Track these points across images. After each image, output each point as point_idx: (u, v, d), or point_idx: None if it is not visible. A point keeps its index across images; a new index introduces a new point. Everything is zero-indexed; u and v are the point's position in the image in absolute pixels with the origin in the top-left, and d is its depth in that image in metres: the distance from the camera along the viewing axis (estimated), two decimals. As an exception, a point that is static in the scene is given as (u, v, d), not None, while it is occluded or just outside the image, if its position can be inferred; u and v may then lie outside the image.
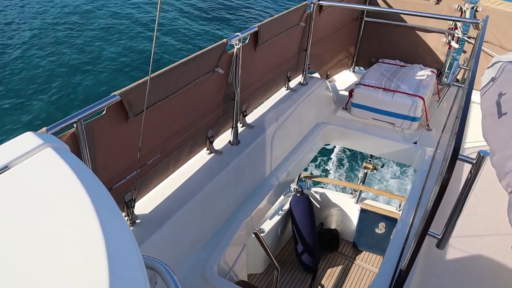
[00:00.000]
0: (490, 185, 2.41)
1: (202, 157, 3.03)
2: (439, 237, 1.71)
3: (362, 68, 5.44)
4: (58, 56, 10.22)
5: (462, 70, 4.46)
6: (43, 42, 10.96)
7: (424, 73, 4.48)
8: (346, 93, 4.63)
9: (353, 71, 5.31)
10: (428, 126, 4.18)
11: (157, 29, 1.71)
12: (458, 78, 4.59)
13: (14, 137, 1.31)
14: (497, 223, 2.76)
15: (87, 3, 14.65)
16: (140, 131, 2.20)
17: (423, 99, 4.02)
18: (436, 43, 4.86)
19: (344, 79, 5.09)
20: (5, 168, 1.18)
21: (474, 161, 1.49)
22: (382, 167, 6.37)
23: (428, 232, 1.61)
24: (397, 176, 9.06)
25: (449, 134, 3.97)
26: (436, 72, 4.63)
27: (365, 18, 4.93)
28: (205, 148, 3.08)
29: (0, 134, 7.11)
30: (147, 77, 2.09)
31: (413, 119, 4.08)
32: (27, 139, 1.29)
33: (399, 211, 5.28)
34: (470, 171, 1.52)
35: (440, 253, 2.63)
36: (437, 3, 4.66)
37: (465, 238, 2.56)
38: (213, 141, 3.09)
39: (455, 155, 1.37)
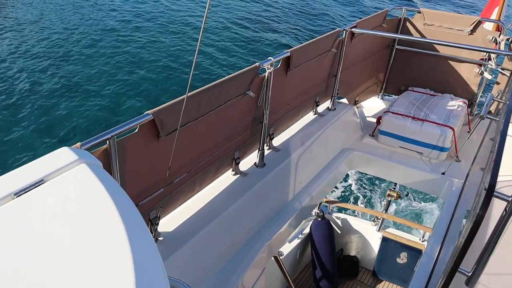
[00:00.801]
0: None
1: (227, 178, 3.04)
2: (469, 274, 1.65)
3: (391, 96, 5.40)
4: (98, 69, 10.50)
5: (495, 102, 4.38)
6: (84, 56, 11.26)
7: (455, 103, 4.41)
8: (374, 120, 4.59)
9: (382, 98, 5.26)
10: (457, 157, 4.09)
11: (198, 51, 1.74)
12: (490, 110, 4.50)
13: (51, 151, 1.34)
14: None
15: (136, 19, 15.07)
16: (169, 150, 2.23)
17: (453, 129, 3.95)
18: (468, 73, 4.79)
19: (372, 105, 5.05)
20: (41, 181, 1.21)
21: (510, 199, 1.44)
22: (406, 195, 6.27)
23: (458, 269, 1.56)
24: (421, 206, 8.86)
25: (478, 166, 3.87)
26: (467, 103, 4.54)
27: (396, 46, 4.91)
28: (231, 169, 3.09)
29: (37, 147, 7.28)
30: (181, 97, 2.13)
31: (442, 149, 4.01)
32: (63, 154, 1.32)
33: (422, 241, 5.16)
34: (505, 208, 1.46)
35: None
36: (471, 33, 4.61)
37: (496, 276, 2.47)
38: (239, 163, 3.10)
39: (490, 192, 1.33)
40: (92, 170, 1.26)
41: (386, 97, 5.34)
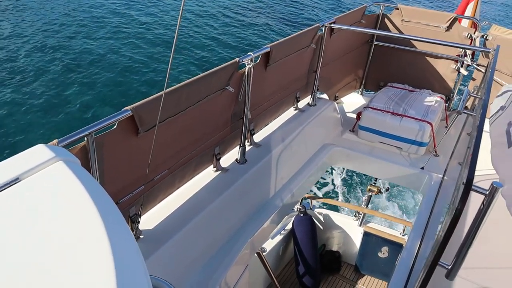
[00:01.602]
0: (499, 215, 2.38)
1: (208, 174, 3.02)
2: (449, 267, 1.68)
3: (370, 91, 5.46)
4: (72, 66, 10.31)
5: (471, 98, 4.47)
6: (58, 52, 11.04)
7: (433, 99, 4.49)
8: (354, 116, 4.64)
9: (361, 94, 5.32)
10: (435, 151, 4.16)
11: (175, 47, 1.72)
12: (467, 106, 4.59)
13: (26, 148, 1.31)
14: (508, 255, 2.72)
15: (103, 13, 14.86)
16: (149, 147, 2.20)
17: (431, 124, 4.02)
18: (445, 69, 4.88)
19: (352, 101, 5.10)
20: (16, 180, 1.18)
21: (487, 192, 1.47)
22: (387, 190, 6.34)
23: (439, 263, 1.59)
24: (401, 201, 9.00)
25: (456, 161, 3.95)
26: (444, 98, 4.63)
27: (375, 42, 4.96)
28: (212, 166, 3.08)
29: (12, 145, 7.11)
30: (159, 93, 2.10)
31: (421, 144, 4.07)
32: (39, 152, 1.28)
33: (403, 235, 5.23)
34: (483, 202, 1.50)
35: (448, 284, 2.59)
36: (447, 30, 4.69)
37: (475, 269, 2.52)
38: (219, 159, 3.09)
39: (469, 186, 1.36)
40: (70, 168, 1.24)
41: (366, 92, 5.39)
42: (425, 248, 2.84)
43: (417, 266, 2.69)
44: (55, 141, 1.68)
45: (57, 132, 7.52)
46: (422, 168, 3.92)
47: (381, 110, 4.21)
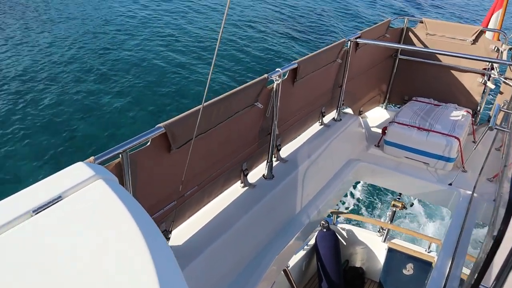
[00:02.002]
0: None
1: (236, 190, 3.03)
2: None
3: (394, 106, 5.41)
4: (107, 81, 10.40)
5: (501, 112, 4.38)
6: (96, 68, 11.15)
7: (459, 113, 4.41)
8: (379, 130, 4.59)
9: (386, 108, 5.28)
10: (463, 167, 4.08)
11: (214, 64, 1.75)
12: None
13: (64, 164, 1.35)
14: None
15: (142, 30, 15.10)
16: (180, 163, 2.23)
17: (458, 139, 3.95)
18: (471, 83, 4.81)
19: (377, 115, 5.06)
20: (59, 198, 1.20)
21: None
22: (411, 206, 6.24)
23: (480, 286, 1.54)
24: (427, 217, 8.81)
25: (485, 177, 3.86)
26: (471, 112, 4.55)
27: (399, 56, 4.93)
28: (239, 181, 3.09)
29: (50, 161, 7.21)
30: (193, 110, 2.14)
31: (448, 159, 4.00)
32: (79, 170, 1.32)
33: (429, 252, 5.12)
34: None
35: None
36: (473, 43, 4.63)
37: None
38: (247, 174, 3.10)
39: (511, 206, 1.32)
40: (109, 186, 1.27)
41: (390, 107, 5.35)
42: (456, 267, 2.77)
43: (449, 286, 2.62)
44: (92, 158, 1.72)
45: (93, 146, 7.61)
46: (450, 184, 3.84)
47: (407, 125, 4.17)
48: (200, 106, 2.19)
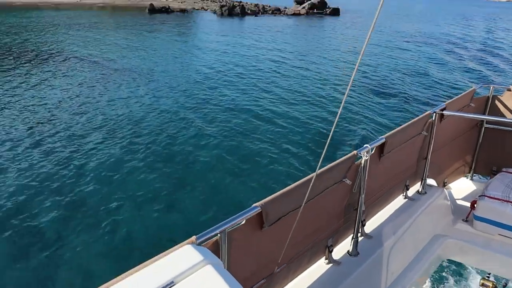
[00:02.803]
0: None
1: (320, 266, 2.98)
2: None
3: (481, 177, 5.11)
4: (207, 158, 10.86)
5: None
6: (186, 142, 11.47)
7: (558, 187, 4.06)
8: (466, 203, 4.36)
9: (471, 179, 5.01)
10: None
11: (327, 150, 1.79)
12: None
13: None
14: None
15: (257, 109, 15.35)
16: (271, 240, 2.28)
17: None
18: None
19: (462, 187, 4.81)
20: (171, 284, 1.25)
21: None
22: (504, 286, 5.66)
23: None
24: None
25: None
26: None
27: (485, 125, 4.74)
28: (324, 257, 3.04)
29: (152, 232, 7.40)
30: (286, 189, 2.22)
31: None
32: (188, 253, 1.38)
33: None
34: None
35: None
36: None
37: None
38: (332, 251, 3.04)
39: None
40: (218, 271, 1.31)
41: (476, 178, 5.06)
42: None
43: None
44: (194, 238, 1.79)
45: (189, 219, 7.76)
46: None
47: (500, 199, 3.89)
48: (295, 184, 2.24)
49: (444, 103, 3.98)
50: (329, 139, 2.09)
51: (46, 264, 6.46)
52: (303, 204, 2.41)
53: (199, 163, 9.98)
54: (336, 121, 1.95)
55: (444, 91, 17.91)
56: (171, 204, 8.22)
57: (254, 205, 2.14)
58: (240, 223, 2.09)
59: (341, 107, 1.95)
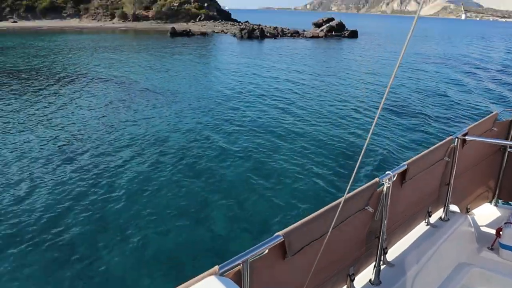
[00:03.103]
0: None
1: None
2: None
3: (505, 202, 5.05)
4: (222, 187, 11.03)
5: None
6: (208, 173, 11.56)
7: None
8: (490, 230, 4.28)
9: (495, 205, 4.90)
10: None
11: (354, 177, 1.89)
12: None
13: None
14: None
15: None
16: (293, 269, 2.28)
17: None
18: None
19: (486, 213, 4.74)
20: None
21: None
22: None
23: None
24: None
25: None
26: None
27: (509, 150, 4.68)
28: (345, 287, 3.00)
29: (175, 261, 7.16)
30: (308, 217, 2.25)
31: None
32: (212, 284, 1.47)
33: None
34: None
35: None
36: None
37: None
38: (353, 280, 3.00)
39: None
40: None
41: (500, 204, 5.01)
42: None
43: None
44: (216, 268, 1.84)
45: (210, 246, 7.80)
46: None
47: None
48: (318, 212, 2.30)
49: (466, 128, 3.96)
50: (358, 164, 2.09)
51: (77, 277, 6.66)
52: (329, 232, 2.41)
53: (224, 182, 10.16)
54: (366, 145, 1.95)
55: (465, 113, 17.84)
56: (197, 222, 8.36)
57: (277, 234, 2.14)
58: (263, 252, 2.07)
59: (371, 131, 1.96)
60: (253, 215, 8.66)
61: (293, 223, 2.26)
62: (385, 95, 1.79)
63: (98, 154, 11.93)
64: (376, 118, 1.85)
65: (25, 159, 11.47)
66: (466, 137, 3.88)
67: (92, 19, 77.81)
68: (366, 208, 2.81)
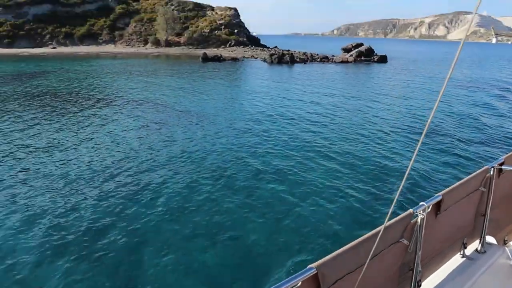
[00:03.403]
0: None
1: None
2: None
3: None
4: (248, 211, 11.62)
5: None
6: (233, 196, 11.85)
7: None
8: None
9: None
10: None
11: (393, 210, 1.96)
12: None
13: None
14: None
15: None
16: None
17: None
18: None
19: None
20: None
21: None
22: None
23: None
24: None
25: None
26: None
27: None
28: None
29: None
30: (341, 250, 2.27)
31: None
32: None
33: None
34: None
35: None
36: None
37: None
38: None
39: None
40: None
41: None
42: None
43: None
44: None
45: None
46: None
47: None
48: (352, 244, 2.34)
49: (502, 157, 3.91)
50: (399, 191, 2.12)
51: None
52: (365, 265, 2.43)
53: (261, 200, 10.38)
54: (408, 171, 1.97)
55: (499, 137, 17.54)
56: (234, 240, 8.55)
57: (310, 266, 2.12)
58: (296, 285, 2.06)
59: (413, 157, 1.97)
60: (290, 235, 8.76)
61: (327, 255, 2.25)
62: (428, 121, 1.83)
63: (138, 172, 12.38)
64: (419, 144, 1.90)
65: (71, 175, 12.04)
66: (503, 167, 3.83)
67: (126, 45, 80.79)
68: (400, 240, 2.78)
